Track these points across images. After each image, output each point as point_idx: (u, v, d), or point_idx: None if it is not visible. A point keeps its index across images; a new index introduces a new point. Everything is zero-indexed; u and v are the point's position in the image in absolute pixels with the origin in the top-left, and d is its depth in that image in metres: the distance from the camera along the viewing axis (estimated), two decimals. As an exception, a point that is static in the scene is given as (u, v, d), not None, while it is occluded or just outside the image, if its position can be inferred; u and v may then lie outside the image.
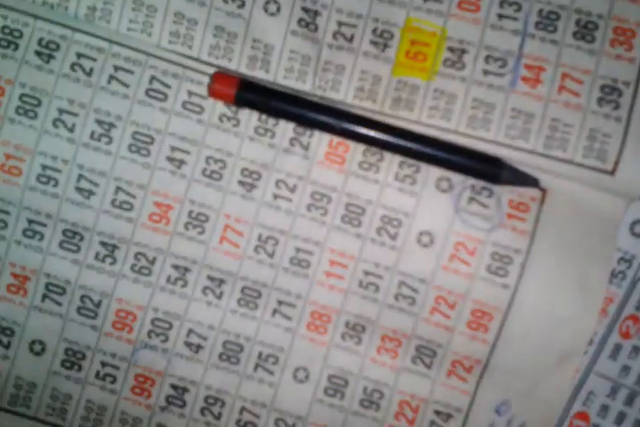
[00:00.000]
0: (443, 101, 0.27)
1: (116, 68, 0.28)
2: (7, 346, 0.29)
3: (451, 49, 0.27)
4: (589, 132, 0.27)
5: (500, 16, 0.27)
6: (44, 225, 0.29)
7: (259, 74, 0.27)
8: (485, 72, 0.27)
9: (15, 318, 0.29)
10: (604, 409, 0.28)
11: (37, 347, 0.29)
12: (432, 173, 0.27)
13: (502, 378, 0.27)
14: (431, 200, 0.27)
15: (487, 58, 0.27)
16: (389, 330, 0.28)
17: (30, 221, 0.29)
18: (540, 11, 0.27)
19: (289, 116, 0.27)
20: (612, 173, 0.26)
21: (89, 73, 0.28)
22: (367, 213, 0.28)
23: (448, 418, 0.28)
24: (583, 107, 0.27)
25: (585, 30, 0.27)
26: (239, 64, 0.27)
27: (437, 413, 0.28)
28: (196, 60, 0.28)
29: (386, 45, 0.27)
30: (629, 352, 0.28)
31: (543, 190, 0.27)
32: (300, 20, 0.27)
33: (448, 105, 0.27)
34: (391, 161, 0.27)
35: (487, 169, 0.27)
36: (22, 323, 0.29)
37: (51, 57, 0.28)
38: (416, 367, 0.28)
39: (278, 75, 0.27)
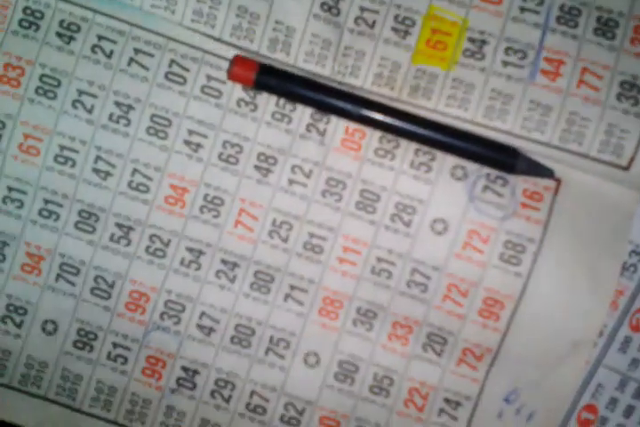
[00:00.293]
0: (461, 91, 0.27)
1: (136, 51, 0.28)
2: (20, 325, 0.29)
3: (471, 39, 0.27)
4: (607, 127, 0.27)
5: (522, 9, 0.27)
6: (61, 205, 0.29)
7: (279, 56, 0.27)
8: (505, 63, 0.27)
9: (29, 297, 0.29)
10: (613, 402, 0.28)
11: (50, 327, 0.29)
12: (447, 161, 0.27)
13: (512, 367, 0.28)
14: (446, 188, 0.27)
15: (507, 50, 0.27)
16: (401, 317, 0.28)
17: (47, 201, 0.29)
18: (562, 6, 0.27)
19: (307, 101, 0.27)
20: (627, 168, 0.27)
21: (109, 55, 0.28)
22: (382, 200, 0.28)
23: (457, 406, 0.28)
24: (602, 101, 0.27)
25: (605, 27, 0.27)
26: (260, 46, 0.27)
27: (447, 400, 0.28)
28: (218, 39, 0.28)
29: (407, 33, 0.27)
30: (639, 345, 0.28)
31: (557, 181, 0.27)
32: (322, 4, 0.27)
33: (466, 95, 0.27)
34: (407, 148, 0.27)
35: (502, 158, 0.27)
36: (35, 302, 0.29)
37: (71, 38, 0.28)
38: (426, 355, 0.28)
39: (298, 58, 0.27)
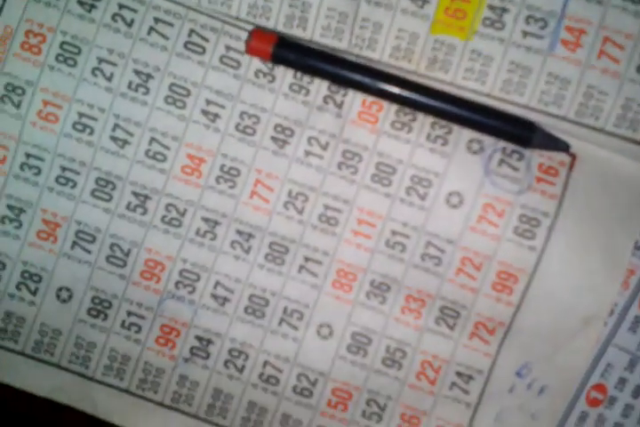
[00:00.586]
0: (479, 64, 0.27)
1: (157, 20, 0.28)
2: (34, 292, 0.30)
3: (491, 7, 0.27)
4: (625, 101, 0.27)
5: None
6: (78, 173, 0.29)
7: (296, 32, 0.27)
8: (525, 34, 0.27)
9: (44, 264, 0.29)
10: (622, 382, 0.28)
11: (64, 294, 0.29)
12: (463, 134, 0.27)
13: (525, 341, 0.28)
14: (462, 161, 0.28)
15: (528, 18, 0.27)
16: (414, 290, 0.28)
17: (64, 169, 0.29)
18: None
19: (325, 75, 0.27)
20: (642, 143, 0.27)
21: (129, 24, 0.28)
22: (397, 173, 0.28)
23: (469, 380, 0.28)
24: (621, 74, 0.27)
25: None
26: (277, 23, 0.27)
27: (459, 374, 0.28)
28: (236, 18, 0.28)
29: (425, 1, 0.27)
30: (650, 325, 0.28)
31: (573, 155, 0.27)
32: (339, -25, 0.27)
33: (484, 67, 0.27)
34: (423, 122, 0.28)
35: (519, 132, 0.27)
36: (51, 270, 0.29)
37: (92, 6, 0.28)
38: (439, 328, 0.28)
39: (315, 33, 0.27)
